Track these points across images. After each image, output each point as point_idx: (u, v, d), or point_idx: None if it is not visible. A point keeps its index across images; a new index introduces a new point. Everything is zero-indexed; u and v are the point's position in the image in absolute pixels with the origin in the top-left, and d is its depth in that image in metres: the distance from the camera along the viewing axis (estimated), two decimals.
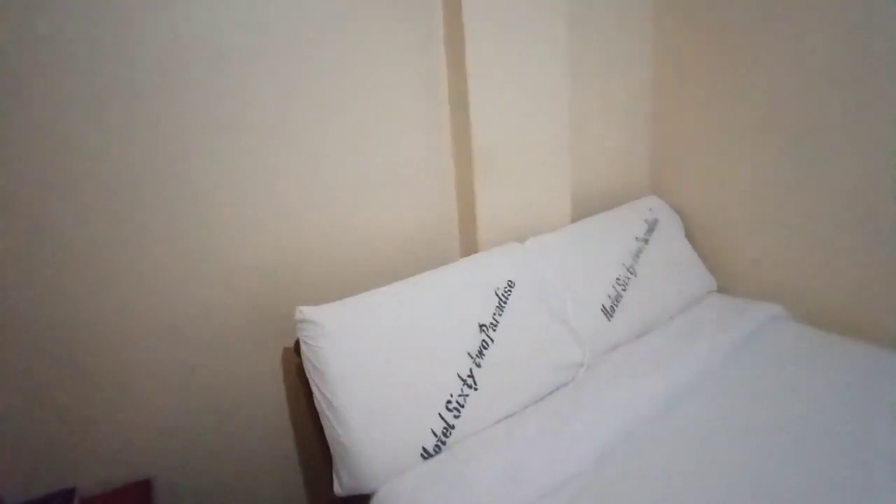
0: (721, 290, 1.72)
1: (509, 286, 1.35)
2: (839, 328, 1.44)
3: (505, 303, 1.33)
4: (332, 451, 1.16)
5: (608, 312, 1.45)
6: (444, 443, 1.18)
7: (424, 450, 1.16)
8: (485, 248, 1.47)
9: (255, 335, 1.37)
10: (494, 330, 1.29)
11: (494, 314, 1.31)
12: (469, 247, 1.51)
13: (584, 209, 1.66)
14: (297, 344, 1.24)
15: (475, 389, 1.23)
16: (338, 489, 1.16)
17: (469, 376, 1.23)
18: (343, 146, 1.38)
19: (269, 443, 1.45)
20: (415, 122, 1.46)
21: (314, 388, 1.17)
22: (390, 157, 1.44)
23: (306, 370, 1.18)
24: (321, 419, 1.17)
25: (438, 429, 1.18)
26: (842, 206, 1.43)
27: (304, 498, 1.56)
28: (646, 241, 1.62)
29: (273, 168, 1.32)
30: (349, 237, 1.42)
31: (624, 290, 1.49)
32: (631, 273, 1.53)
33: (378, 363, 1.18)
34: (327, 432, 1.16)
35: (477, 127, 1.42)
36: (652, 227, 1.67)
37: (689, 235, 1.77)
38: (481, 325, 1.28)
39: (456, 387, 1.22)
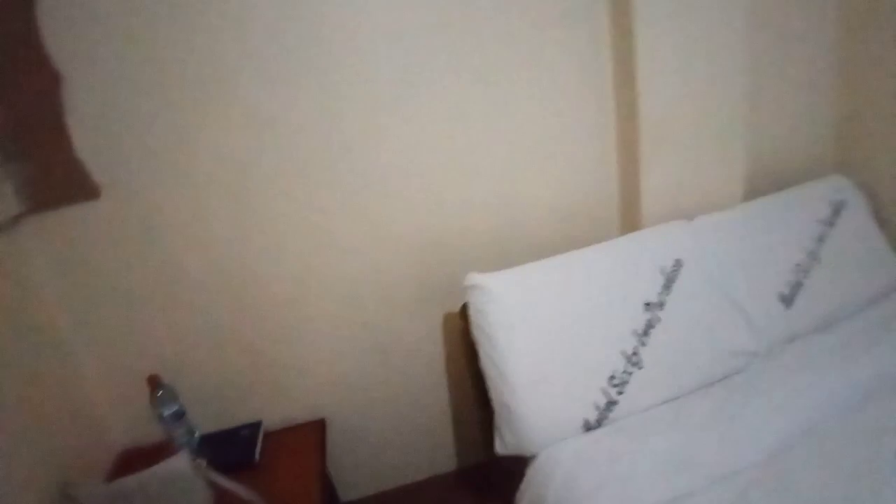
0: None
1: (676, 265, 1.30)
2: None
3: (672, 282, 1.28)
4: (495, 412, 1.22)
5: (787, 300, 1.34)
6: (605, 417, 1.18)
7: (586, 421, 1.18)
8: (648, 224, 1.41)
9: (419, 298, 1.46)
10: (661, 309, 1.25)
11: (661, 293, 1.27)
12: (630, 223, 1.47)
13: (757, 187, 1.53)
14: (464, 308, 1.31)
15: (640, 368, 1.21)
16: (499, 447, 1.22)
17: (634, 354, 1.21)
18: (506, 118, 1.40)
19: (426, 398, 1.56)
20: (577, 92, 1.42)
21: (481, 352, 1.22)
22: (552, 129, 1.43)
23: (474, 334, 1.24)
24: (486, 381, 1.23)
25: (601, 403, 1.18)
26: None
27: (452, 449, 1.66)
28: (830, 224, 1.46)
29: (444, 141, 1.37)
30: (511, 209, 1.45)
31: (805, 277, 1.36)
32: (813, 259, 1.39)
33: (545, 332, 1.21)
34: (492, 394, 1.22)
35: (645, 97, 1.34)
36: (838, 209, 1.49)
37: (882, 220, 1.56)
38: (647, 304, 1.25)
39: (620, 363, 1.21)
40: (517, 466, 1.21)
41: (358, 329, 1.45)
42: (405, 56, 1.29)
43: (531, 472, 1.15)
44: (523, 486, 1.15)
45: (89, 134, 1.19)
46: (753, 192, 1.52)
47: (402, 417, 1.55)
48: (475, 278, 1.22)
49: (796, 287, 1.35)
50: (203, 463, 1.18)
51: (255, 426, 1.43)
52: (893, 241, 1.54)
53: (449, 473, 1.66)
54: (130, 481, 1.13)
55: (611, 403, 1.19)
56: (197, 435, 1.40)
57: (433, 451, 1.62)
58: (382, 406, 1.53)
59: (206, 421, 1.42)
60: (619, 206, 1.51)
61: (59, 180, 1.22)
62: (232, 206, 1.31)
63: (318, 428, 1.45)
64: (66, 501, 1.21)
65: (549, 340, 1.20)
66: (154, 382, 1.35)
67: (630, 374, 1.20)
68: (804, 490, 0.97)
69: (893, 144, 1.53)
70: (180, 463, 1.14)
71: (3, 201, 1.16)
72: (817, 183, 1.57)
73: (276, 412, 1.46)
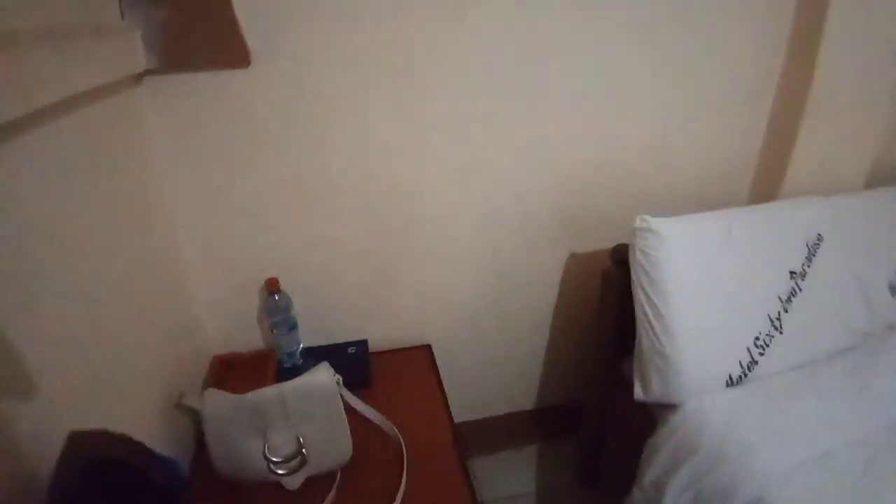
0: None
1: (818, 239, 1.32)
2: None
3: (814, 255, 1.30)
4: (641, 358, 1.21)
5: (893, 290, 1.42)
6: (745, 375, 1.21)
7: (730, 377, 1.19)
8: (784, 196, 1.42)
9: (550, 233, 1.41)
10: (803, 279, 1.27)
11: (804, 264, 1.29)
12: (764, 193, 1.46)
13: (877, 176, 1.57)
14: (617, 250, 1.27)
15: (780, 332, 1.23)
16: (639, 395, 1.22)
17: (777, 318, 1.23)
18: (668, 71, 1.31)
19: (528, 335, 1.53)
20: (743, 58, 1.34)
21: (641, 296, 1.19)
22: (709, 89, 1.35)
23: (635, 277, 1.20)
24: (639, 326, 1.20)
25: (745, 361, 1.20)
26: None
27: (535, 389, 1.65)
28: None
29: (608, 81, 1.28)
30: (657, 160, 1.39)
31: None
32: None
33: (707, 284, 1.19)
34: (643, 340, 1.20)
35: (823, 68, 1.30)
36: None
37: None
38: (792, 272, 1.27)
39: (765, 325, 1.22)
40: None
41: (483, 257, 1.38)
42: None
43: (677, 420, 1.15)
44: (666, 431, 1.16)
45: None
46: (872, 179, 1.57)
47: (499, 352, 1.52)
48: (648, 221, 1.17)
49: None
50: (340, 380, 1.06)
51: (362, 344, 1.33)
52: None
53: (525, 412, 1.65)
54: (269, 392, 1.00)
55: (752, 363, 1.21)
56: (301, 347, 1.28)
57: (519, 388, 1.60)
58: (484, 337, 1.49)
59: (306, 334, 1.30)
60: (755, 174, 1.49)
61: (206, 38, 1.01)
62: (392, 105, 1.17)
63: (424, 353, 1.38)
64: (181, 410, 1.07)
65: (709, 292, 1.19)
66: (273, 286, 1.20)
67: (772, 336, 1.22)
68: None
69: None
70: (324, 377, 1.03)
71: (130, 53, 0.93)
72: None
73: (378, 332, 1.36)
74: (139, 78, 1.01)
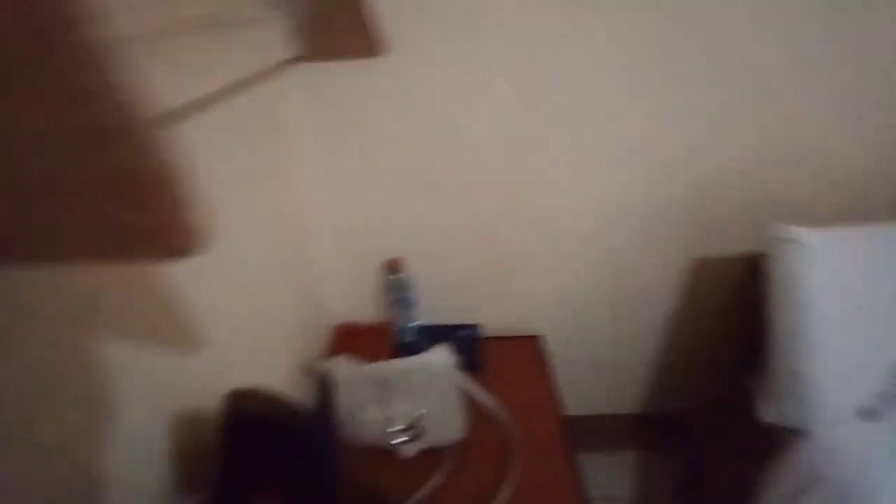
0: None
1: None
2: None
3: None
4: (773, 376, 1.14)
5: None
6: (881, 407, 1.10)
7: (864, 408, 1.10)
8: None
9: (670, 235, 1.35)
10: None
11: None
12: None
13: None
14: (752, 259, 1.20)
15: None
16: (767, 415, 1.15)
17: None
18: (800, 72, 1.20)
19: (635, 338, 1.49)
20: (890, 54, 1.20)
21: (776, 310, 1.12)
22: (852, 90, 1.22)
23: (774, 289, 1.13)
24: (774, 342, 1.13)
25: (884, 392, 1.10)
26: None
27: (638, 392, 1.61)
28: None
29: (746, 80, 1.20)
30: (798, 164, 1.28)
31: None
32: None
33: (848, 303, 1.10)
34: (777, 357, 1.13)
35: None
36: None
37: None
38: None
39: None
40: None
41: (602, 254, 1.36)
42: None
43: (806, 448, 1.08)
44: (792, 458, 1.09)
45: None
46: None
47: (611, 351, 1.50)
48: (793, 232, 1.09)
49: None
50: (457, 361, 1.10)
51: (473, 328, 1.36)
52: None
53: (632, 415, 1.62)
54: (395, 366, 1.07)
55: (890, 394, 1.10)
56: (417, 324, 1.34)
57: (627, 390, 1.57)
58: (597, 335, 1.48)
59: (422, 313, 1.36)
60: None
61: (346, 29, 1.06)
62: (516, 99, 1.19)
63: (533, 342, 1.38)
64: (311, 377, 1.16)
65: (851, 313, 1.10)
66: (395, 266, 1.26)
67: None
68: None
69: None
70: (444, 357, 1.07)
71: (280, 42, 1.00)
72: None
73: (491, 318, 1.39)
74: (286, 65, 1.10)
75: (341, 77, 1.15)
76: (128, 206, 0.28)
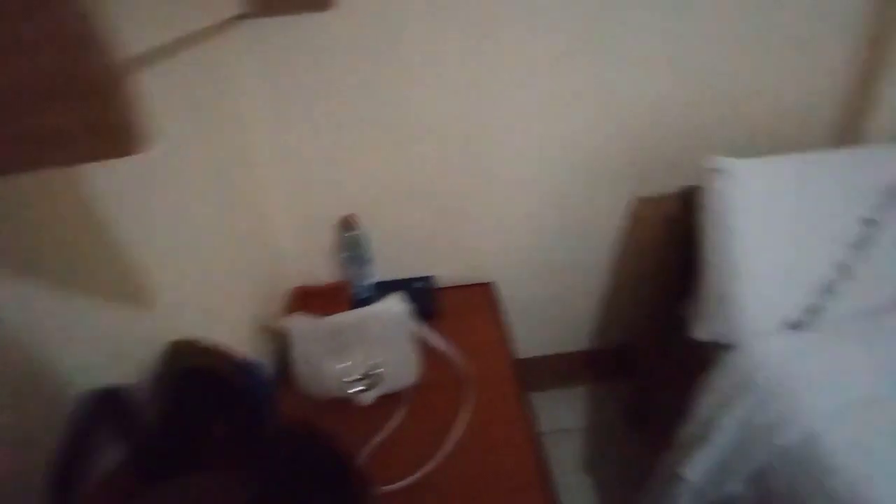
0: None
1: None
2: None
3: (893, 207, 1.26)
4: (705, 297, 1.23)
5: None
6: (807, 319, 1.21)
7: (791, 320, 1.20)
8: (867, 141, 1.36)
9: (614, 175, 1.40)
10: (877, 228, 1.24)
11: (880, 213, 1.25)
12: (846, 137, 1.41)
13: None
14: (686, 192, 1.28)
15: (848, 279, 1.22)
16: (700, 333, 1.24)
17: (845, 265, 1.22)
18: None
19: (584, 277, 1.56)
20: None
21: (708, 237, 1.20)
22: (789, 18, 1.28)
23: (705, 217, 1.20)
24: (705, 267, 1.21)
25: (808, 305, 1.20)
26: None
27: (587, 329, 1.69)
28: None
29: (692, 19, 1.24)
30: (730, 97, 1.35)
31: None
32: None
33: (774, 227, 1.19)
34: (707, 281, 1.21)
35: None
36: None
37: None
38: (865, 220, 1.24)
39: (832, 271, 1.21)
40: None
41: (546, 197, 1.40)
42: None
43: (734, 359, 1.18)
44: (721, 369, 1.19)
45: None
46: None
47: (555, 292, 1.56)
48: (722, 161, 1.16)
49: None
50: (411, 309, 1.14)
51: (427, 280, 1.40)
52: None
53: (580, 352, 1.71)
54: (349, 317, 1.09)
55: (816, 307, 1.21)
56: (373, 281, 1.37)
57: (575, 329, 1.65)
58: (544, 278, 1.53)
59: (378, 269, 1.39)
60: (839, 117, 1.41)
61: None
62: (465, 47, 1.19)
63: (486, 290, 1.43)
64: (267, 334, 1.17)
65: (776, 236, 1.19)
66: (349, 223, 1.27)
67: (837, 283, 1.22)
68: None
69: None
70: (397, 305, 1.10)
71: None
72: None
73: (443, 270, 1.43)
74: (233, 22, 1.07)
75: (289, 34, 1.12)
76: (67, 107, 0.30)
